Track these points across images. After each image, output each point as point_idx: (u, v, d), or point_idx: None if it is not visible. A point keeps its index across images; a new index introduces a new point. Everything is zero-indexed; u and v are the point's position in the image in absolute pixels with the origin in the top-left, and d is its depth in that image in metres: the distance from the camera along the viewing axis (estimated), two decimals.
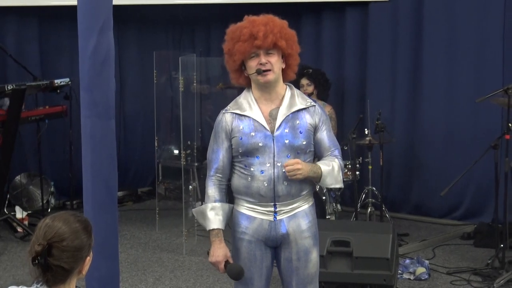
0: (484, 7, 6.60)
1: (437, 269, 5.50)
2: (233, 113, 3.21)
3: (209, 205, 3.21)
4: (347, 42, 7.32)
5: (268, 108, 3.20)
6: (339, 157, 3.27)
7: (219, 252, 3.17)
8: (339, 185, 3.26)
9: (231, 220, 3.31)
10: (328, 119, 3.31)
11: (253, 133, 3.15)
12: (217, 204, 3.20)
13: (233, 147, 3.19)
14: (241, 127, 3.17)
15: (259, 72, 3.12)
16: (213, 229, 3.18)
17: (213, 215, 3.18)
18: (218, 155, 3.21)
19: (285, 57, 3.21)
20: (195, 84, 6.67)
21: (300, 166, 3.06)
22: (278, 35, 3.12)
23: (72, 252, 2.25)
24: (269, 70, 3.13)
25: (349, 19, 7.29)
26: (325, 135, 3.24)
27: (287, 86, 3.26)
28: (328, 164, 3.19)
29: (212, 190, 3.23)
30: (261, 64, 3.12)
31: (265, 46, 3.11)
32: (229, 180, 3.27)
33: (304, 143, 3.16)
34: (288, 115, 3.17)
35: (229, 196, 3.36)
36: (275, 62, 3.15)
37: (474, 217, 6.71)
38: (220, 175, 3.23)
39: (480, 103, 5.62)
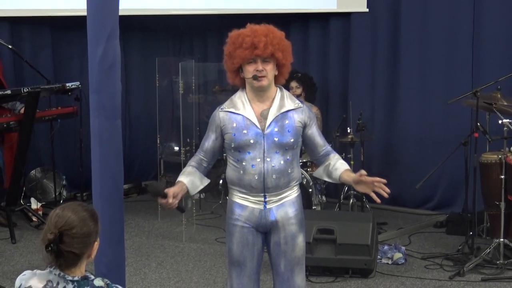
0: (454, 17, 6.61)
1: (412, 254, 5.51)
2: (228, 111, 3.22)
3: (187, 168, 3.30)
4: (331, 49, 7.31)
5: (260, 108, 3.20)
6: (333, 151, 3.34)
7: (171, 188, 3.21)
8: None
9: (226, 208, 3.33)
10: (315, 118, 3.33)
11: (245, 131, 3.16)
12: (191, 169, 3.28)
13: (226, 142, 3.21)
14: (234, 125, 3.18)
15: (255, 78, 3.13)
16: (178, 181, 3.24)
17: (185, 174, 3.26)
18: (206, 141, 3.29)
19: (279, 66, 3.21)
20: (193, 94, 6.68)
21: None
22: (277, 47, 3.13)
23: (81, 238, 2.25)
24: (264, 76, 3.14)
25: (333, 28, 7.28)
26: (315, 131, 3.28)
27: (278, 88, 3.26)
28: (344, 163, 3.27)
29: (193, 161, 3.32)
30: (257, 70, 3.13)
31: (264, 56, 3.12)
32: (225, 172, 3.29)
33: (292, 140, 3.17)
34: (278, 115, 3.18)
35: (225, 188, 3.38)
36: (270, 70, 3.16)
37: (446, 207, 6.71)
38: (203, 155, 3.30)
39: (451, 105, 5.65)
